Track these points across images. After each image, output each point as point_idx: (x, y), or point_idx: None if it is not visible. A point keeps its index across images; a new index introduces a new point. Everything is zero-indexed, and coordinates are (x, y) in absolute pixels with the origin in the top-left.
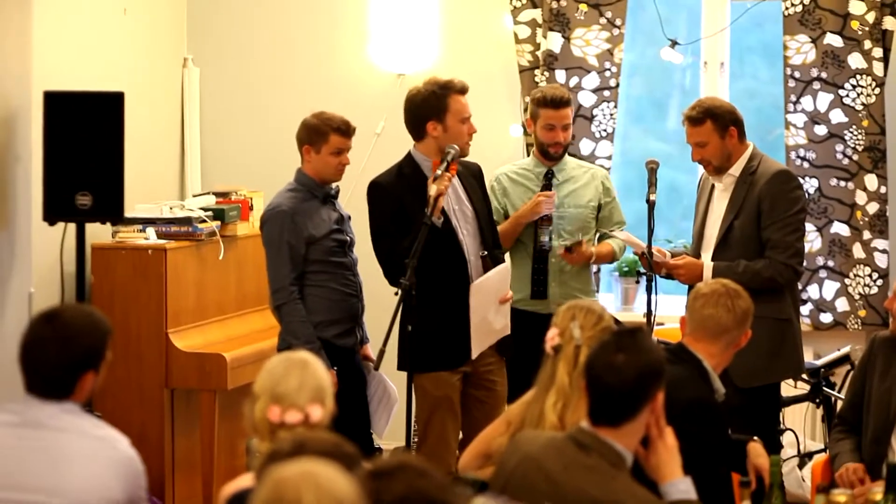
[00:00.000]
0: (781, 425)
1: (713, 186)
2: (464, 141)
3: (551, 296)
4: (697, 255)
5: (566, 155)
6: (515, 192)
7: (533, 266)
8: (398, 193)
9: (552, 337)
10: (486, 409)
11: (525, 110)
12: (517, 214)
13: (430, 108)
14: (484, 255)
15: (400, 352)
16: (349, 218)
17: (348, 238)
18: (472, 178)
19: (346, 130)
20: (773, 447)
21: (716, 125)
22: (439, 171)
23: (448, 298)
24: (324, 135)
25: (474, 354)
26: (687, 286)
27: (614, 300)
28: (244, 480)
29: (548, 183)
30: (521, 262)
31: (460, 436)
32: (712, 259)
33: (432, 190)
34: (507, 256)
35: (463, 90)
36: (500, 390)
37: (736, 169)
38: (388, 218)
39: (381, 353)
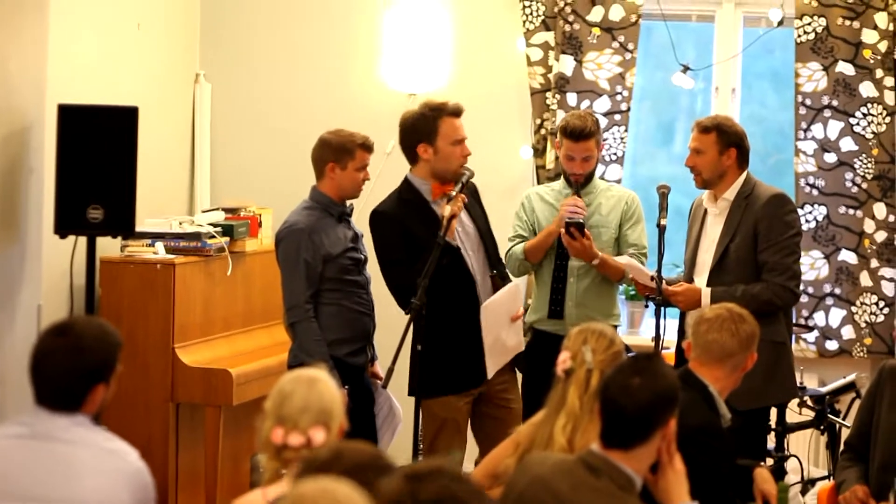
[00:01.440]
0: (786, 451)
1: (706, 212)
2: (456, 164)
3: (567, 316)
4: (690, 280)
5: (595, 178)
6: (543, 211)
7: (552, 285)
8: (402, 220)
9: (564, 360)
10: (503, 427)
11: (535, 132)
12: (547, 229)
13: (420, 131)
14: (493, 274)
15: (411, 374)
16: (362, 236)
17: (363, 256)
18: (471, 195)
19: (370, 147)
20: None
21: (719, 139)
22: (454, 192)
23: (457, 320)
24: (350, 151)
25: (490, 374)
26: (679, 311)
27: (621, 324)
28: (253, 496)
29: (566, 224)
30: (541, 282)
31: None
32: (708, 283)
33: (447, 211)
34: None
35: (456, 112)
36: (516, 407)
37: (730, 193)
38: (396, 246)
39: (390, 371)
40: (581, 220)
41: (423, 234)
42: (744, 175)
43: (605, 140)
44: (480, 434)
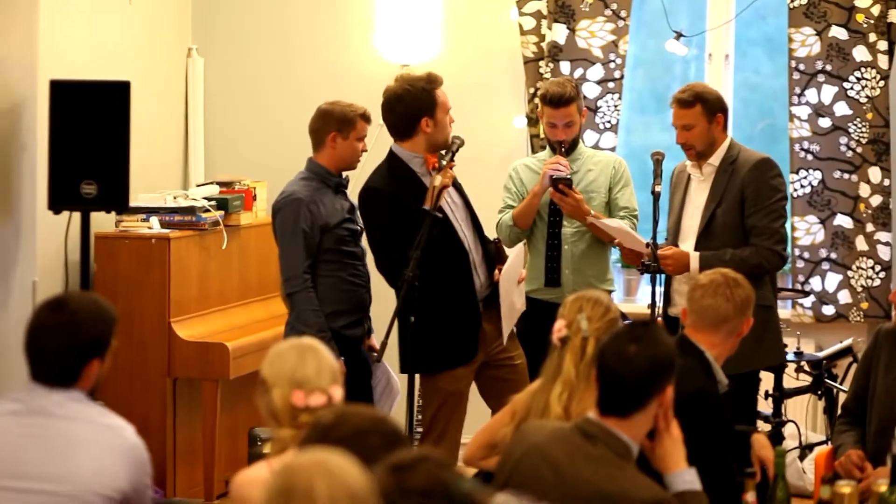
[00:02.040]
0: (783, 416)
1: (689, 178)
2: (449, 133)
3: (565, 283)
4: (675, 246)
5: (581, 145)
6: (531, 180)
7: (546, 254)
8: (397, 196)
9: (559, 328)
10: (513, 386)
11: (529, 101)
12: (532, 191)
13: (423, 105)
14: (497, 240)
15: (402, 348)
16: (357, 208)
17: (358, 227)
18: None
19: (369, 117)
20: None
21: (704, 109)
22: (444, 162)
23: (454, 292)
24: (352, 121)
25: (504, 339)
26: (665, 278)
27: (617, 291)
28: (258, 469)
29: (553, 180)
30: (535, 251)
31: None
32: (695, 248)
33: (437, 181)
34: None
35: (442, 82)
36: (521, 363)
37: (715, 159)
38: (390, 225)
39: (384, 344)
40: (568, 176)
41: (412, 210)
42: (728, 140)
43: (598, 108)
44: (492, 399)
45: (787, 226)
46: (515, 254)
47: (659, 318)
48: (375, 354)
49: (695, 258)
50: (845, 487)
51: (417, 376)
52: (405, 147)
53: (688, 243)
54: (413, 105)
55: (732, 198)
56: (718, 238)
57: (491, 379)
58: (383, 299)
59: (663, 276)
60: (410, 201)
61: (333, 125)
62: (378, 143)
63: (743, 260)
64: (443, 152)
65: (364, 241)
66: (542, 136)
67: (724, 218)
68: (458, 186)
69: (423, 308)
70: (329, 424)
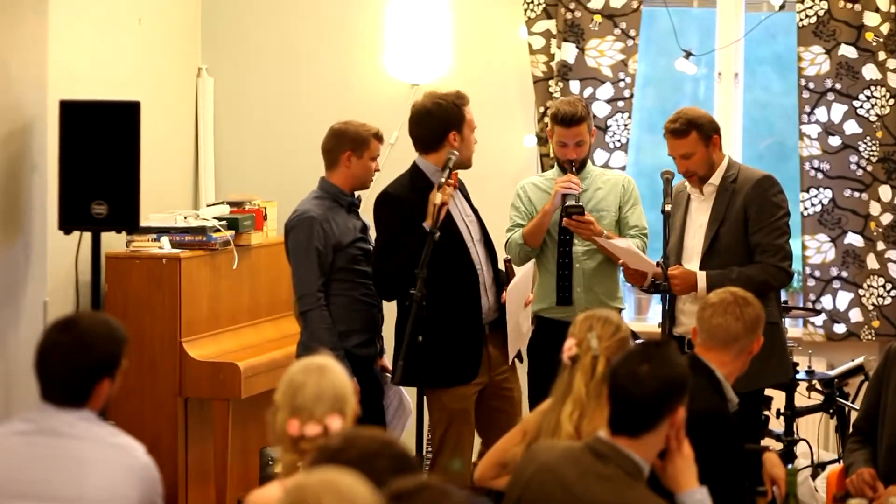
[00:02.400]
0: (795, 435)
1: (689, 198)
2: (472, 150)
3: (576, 302)
4: (681, 266)
5: (589, 164)
6: (539, 199)
7: (557, 272)
8: (411, 207)
9: (569, 347)
10: (504, 418)
11: (539, 120)
12: (542, 209)
13: (452, 119)
14: (507, 259)
15: (406, 365)
16: (370, 228)
17: (371, 247)
18: (463, 186)
19: (381, 137)
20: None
21: (700, 135)
22: (442, 179)
23: (461, 310)
24: (366, 140)
25: (510, 359)
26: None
27: (628, 310)
28: (271, 489)
29: (566, 207)
30: (545, 269)
31: (476, 447)
32: (700, 268)
33: (437, 199)
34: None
35: (469, 101)
36: (517, 397)
37: (716, 178)
38: (398, 233)
39: (399, 366)
40: (579, 203)
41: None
42: (726, 159)
43: (608, 127)
44: (483, 425)
45: (798, 244)
46: (523, 273)
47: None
48: (389, 375)
49: (702, 277)
50: None
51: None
52: (430, 160)
53: (692, 263)
54: (443, 118)
55: (735, 217)
56: (723, 257)
57: (486, 407)
58: (390, 318)
59: (668, 295)
60: (423, 213)
61: (348, 145)
62: (388, 162)
63: (749, 278)
64: (441, 170)
65: None
66: (551, 154)
67: (727, 237)
68: (473, 206)
69: (428, 323)
70: (337, 448)
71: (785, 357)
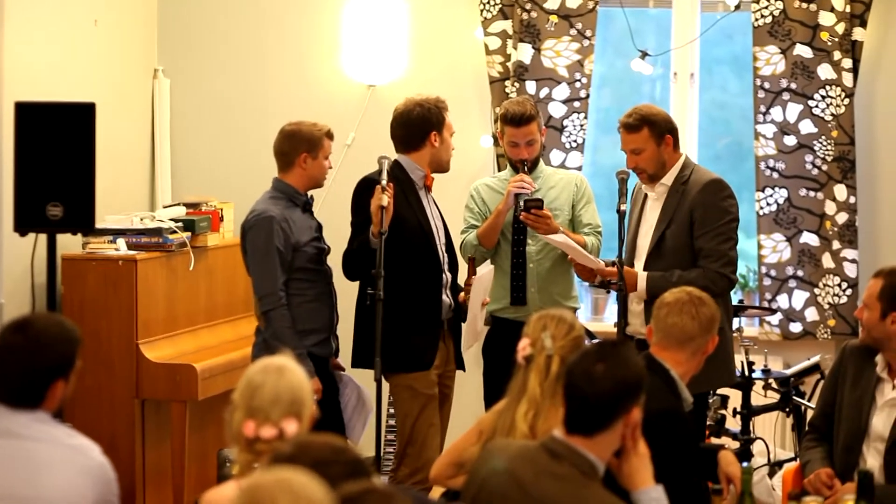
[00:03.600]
0: (751, 434)
1: (646, 196)
2: (450, 154)
3: (531, 302)
4: (631, 265)
5: (541, 164)
6: (493, 200)
7: (511, 272)
8: (392, 193)
9: (523, 347)
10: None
11: (495, 121)
12: (496, 209)
13: (433, 120)
14: (472, 257)
15: (358, 352)
16: (322, 227)
17: (326, 247)
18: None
19: (332, 135)
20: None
21: (652, 132)
22: (384, 181)
23: (425, 302)
24: (319, 141)
25: (465, 349)
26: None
27: (584, 310)
28: (227, 489)
29: (525, 201)
30: (499, 270)
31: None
32: (644, 268)
33: (384, 201)
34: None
35: (447, 107)
36: (451, 397)
37: (668, 178)
38: (369, 219)
39: (377, 362)
40: (538, 198)
41: (407, 214)
42: (681, 160)
43: (564, 127)
44: None
45: (754, 243)
46: (486, 272)
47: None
48: (343, 373)
49: (642, 279)
50: (812, 503)
51: (387, 387)
52: (411, 158)
53: (642, 262)
54: (425, 117)
55: (682, 219)
56: (668, 259)
57: None
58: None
59: (622, 295)
60: (400, 203)
61: (304, 146)
62: (345, 162)
63: (689, 282)
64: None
65: (331, 261)
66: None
67: (673, 239)
68: (439, 209)
69: (395, 313)
70: (290, 455)
71: (728, 362)
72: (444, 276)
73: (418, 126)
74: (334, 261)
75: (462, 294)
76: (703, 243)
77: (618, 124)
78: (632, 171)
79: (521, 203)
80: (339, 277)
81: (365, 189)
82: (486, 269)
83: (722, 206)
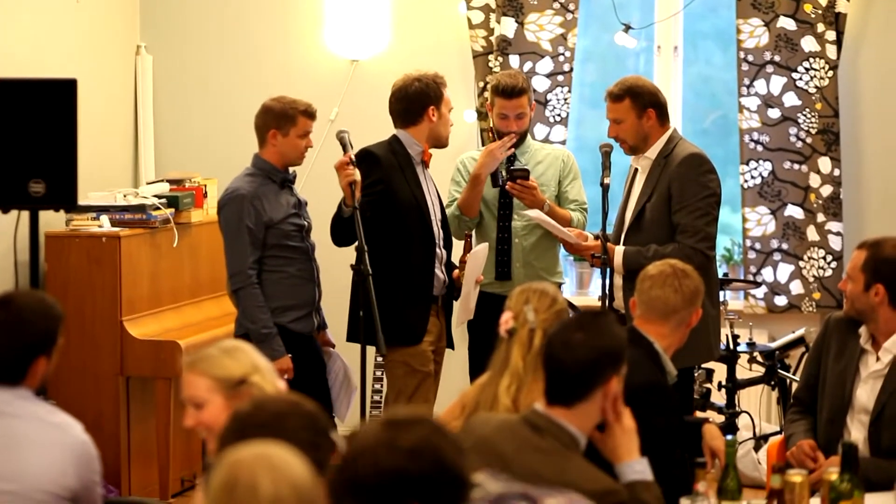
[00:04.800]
0: (737, 407)
1: (636, 172)
2: (448, 130)
3: (515, 277)
4: (619, 239)
5: (529, 138)
6: None
7: (496, 247)
8: (387, 168)
9: (506, 320)
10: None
11: (479, 95)
12: (473, 173)
13: (431, 95)
14: (468, 234)
15: (353, 326)
16: (306, 203)
17: (306, 223)
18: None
19: (312, 113)
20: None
21: (634, 104)
22: (352, 157)
23: (417, 276)
24: (292, 118)
25: (457, 325)
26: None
27: (569, 284)
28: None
29: (510, 164)
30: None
31: None
32: (624, 242)
33: (356, 176)
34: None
35: (446, 85)
36: (440, 373)
37: (652, 152)
38: (369, 184)
39: (380, 340)
40: (525, 167)
41: (398, 187)
42: (668, 133)
43: (548, 101)
44: None
45: (738, 216)
46: (481, 247)
47: None
48: (331, 349)
49: (619, 253)
50: (796, 477)
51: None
52: (410, 133)
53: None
54: (423, 92)
55: (661, 193)
56: (647, 233)
57: None
58: (337, 293)
59: (609, 269)
60: (398, 176)
61: (273, 122)
62: (329, 138)
63: (664, 257)
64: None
65: (313, 237)
66: (493, 128)
67: (652, 213)
68: (436, 186)
69: (385, 287)
70: (247, 412)
71: (707, 338)
72: (438, 250)
73: (416, 101)
74: (318, 235)
75: (456, 271)
76: (679, 218)
77: (605, 94)
78: (615, 143)
79: (504, 174)
80: (327, 253)
81: (364, 160)
82: (480, 247)
83: (700, 181)
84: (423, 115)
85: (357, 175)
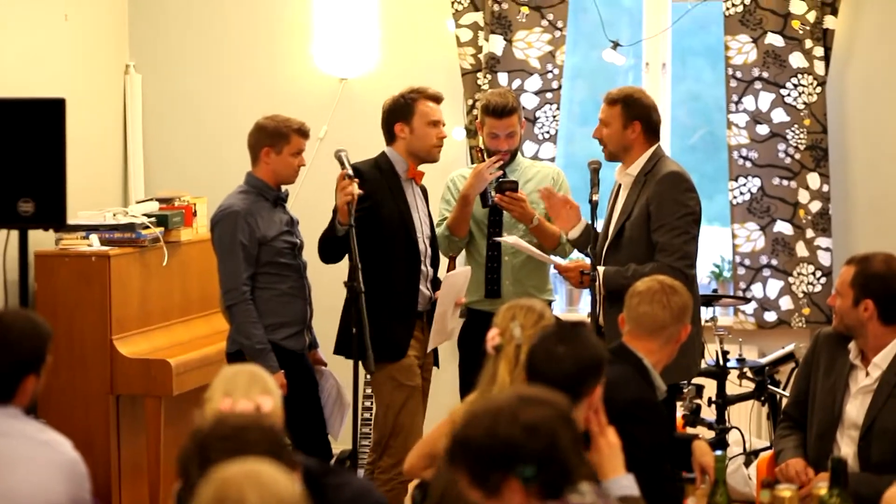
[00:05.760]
0: (727, 423)
1: (619, 188)
2: (431, 143)
3: (505, 294)
4: (600, 255)
5: (519, 155)
6: None
7: (486, 265)
8: (372, 184)
9: (493, 337)
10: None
11: (467, 112)
12: (462, 193)
13: (397, 111)
14: (453, 256)
15: (341, 340)
16: (297, 222)
17: (298, 241)
18: (422, 190)
19: (305, 132)
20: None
21: (623, 112)
22: (350, 173)
23: (401, 291)
24: (285, 136)
25: (430, 347)
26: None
27: (559, 301)
28: None
29: (500, 183)
30: (475, 263)
31: None
32: (604, 260)
33: (355, 191)
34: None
35: (434, 98)
36: (428, 389)
37: (634, 168)
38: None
39: (368, 357)
40: (513, 179)
41: (383, 203)
42: (651, 150)
43: (537, 118)
44: None
45: (728, 232)
46: (463, 271)
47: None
48: (323, 368)
49: (599, 273)
50: (786, 492)
51: (366, 376)
52: (393, 149)
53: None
54: (389, 111)
55: (640, 211)
56: (626, 251)
57: None
58: (327, 311)
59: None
60: (381, 194)
61: (266, 141)
62: (319, 156)
63: (643, 276)
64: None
65: (304, 256)
66: (481, 147)
67: (631, 231)
68: (427, 203)
69: (372, 300)
70: (210, 426)
71: (689, 356)
72: (423, 267)
73: (385, 119)
74: (309, 254)
75: (438, 292)
76: (658, 237)
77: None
78: (601, 162)
79: (493, 192)
80: (317, 271)
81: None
82: (461, 270)
83: (679, 200)
84: (394, 133)
85: (355, 191)
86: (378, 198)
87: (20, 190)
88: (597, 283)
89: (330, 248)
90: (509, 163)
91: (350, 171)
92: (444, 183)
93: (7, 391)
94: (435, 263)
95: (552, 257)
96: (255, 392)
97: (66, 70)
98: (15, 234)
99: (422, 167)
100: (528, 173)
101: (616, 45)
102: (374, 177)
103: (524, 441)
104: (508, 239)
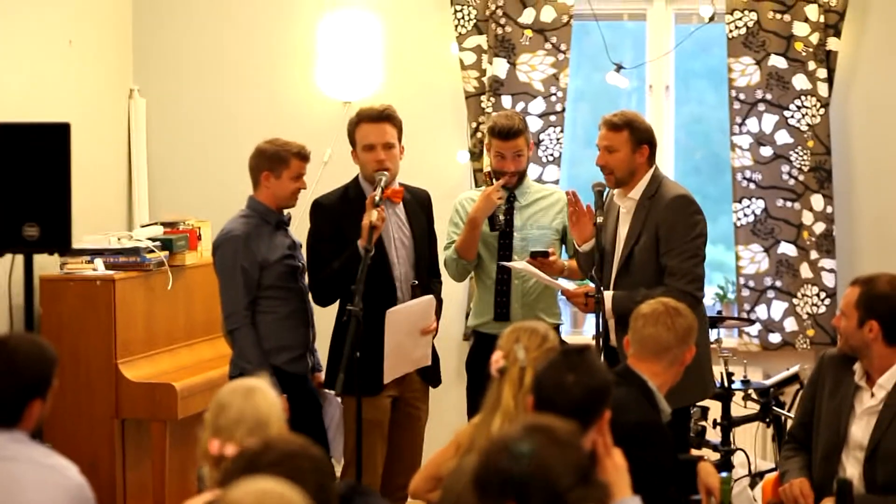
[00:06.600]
0: (732, 445)
1: (619, 211)
2: (369, 169)
3: (514, 317)
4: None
5: (527, 178)
6: None
7: (496, 288)
8: (337, 216)
9: (497, 359)
10: (408, 435)
11: (471, 135)
12: (470, 216)
13: (349, 138)
14: (415, 283)
15: (346, 377)
16: (300, 245)
17: (300, 264)
18: (418, 205)
19: (305, 155)
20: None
21: (632, 136)
22: (378, 199)
23: (374, 324)
24: (284, 160)
25: (386, 380)
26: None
27: (564, 324)
28: (203, 497)
29: (509, 206)
30: (484, 286)
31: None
32: (613, 285)
33: (374, 217)
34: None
35: (368, 118)
36: (423, 417)
37: (636, 193)
38: (321, 238)
39: (340, 378)
40: (545, 250)
41: (354, 232)
42: (650, 173)
43: (541, 141)
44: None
45: (732, 254)
46: (419, 301)
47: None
48: (327, 391)
49: (608, 298)
50: None
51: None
52: (362, 174)
53: (613, 277)
54: (348, 137)
55: (649, 235)
56: (636, 275)
57: (393, 421)
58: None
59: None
60: (349, 223)
61: (265, 164)
62: (323, 179)
63: None
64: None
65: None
66: (485, 170)
67: (640, 255)
68: (417, 226)
69: (343, 332)
70: (257, 451)
71: (700, 376)
72: (399, 295)
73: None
74: None
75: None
76: (668, 261)
77: (600, 121)
78: (606, 185)
79: (531, 253)
80: None
81: (311, 212)
82: (421, 301)
83: (688, 223)
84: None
85: (375, 218)
86: (346, 230)
87: (25, 214)
88: (603, 305)
89: (333, 286)
90: (518, 185)
91: (377, 198)
92: (451, 205)
93: (13, 416)
94: (421, 273)
95: (560, 281)
96: (242, 434)
97: (71, 95)
98: (20, 258)
99: (427, 187)
100: (536, 195)
101: (619, 67)
102: (340, 209)
103: (514, 468)
104: (517, 264)
